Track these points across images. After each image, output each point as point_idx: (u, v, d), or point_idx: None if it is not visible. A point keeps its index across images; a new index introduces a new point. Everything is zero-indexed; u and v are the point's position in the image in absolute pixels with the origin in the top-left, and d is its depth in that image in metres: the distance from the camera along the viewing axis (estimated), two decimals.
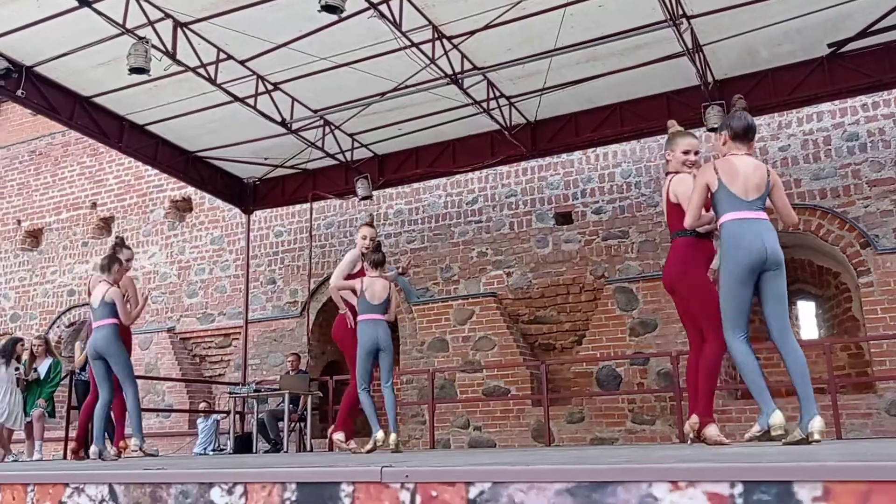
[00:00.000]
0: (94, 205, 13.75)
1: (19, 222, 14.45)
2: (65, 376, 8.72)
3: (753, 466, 1.55)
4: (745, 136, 3.92)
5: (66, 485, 2.36)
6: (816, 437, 3.58)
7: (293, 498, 2.00)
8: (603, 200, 9.98)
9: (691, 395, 4.66)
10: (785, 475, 1.52)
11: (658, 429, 8.70)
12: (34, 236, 14.33)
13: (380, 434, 5.69)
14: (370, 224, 6.34)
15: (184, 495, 2.15)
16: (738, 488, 1.55)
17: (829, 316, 9.76)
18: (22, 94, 8.04)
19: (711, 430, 4.16)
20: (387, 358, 5.78)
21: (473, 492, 1.78)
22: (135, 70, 7.00)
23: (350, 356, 6.05)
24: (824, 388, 8.44)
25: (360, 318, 5.83)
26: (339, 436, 6.24)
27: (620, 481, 1.64)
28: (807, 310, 10.41)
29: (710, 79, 8.16)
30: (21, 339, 8.83)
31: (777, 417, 3.71)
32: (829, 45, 7.85)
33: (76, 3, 6.68)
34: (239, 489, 2.08)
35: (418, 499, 1.84)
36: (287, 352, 10.89)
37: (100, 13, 6.80)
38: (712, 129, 8.28)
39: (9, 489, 2.46)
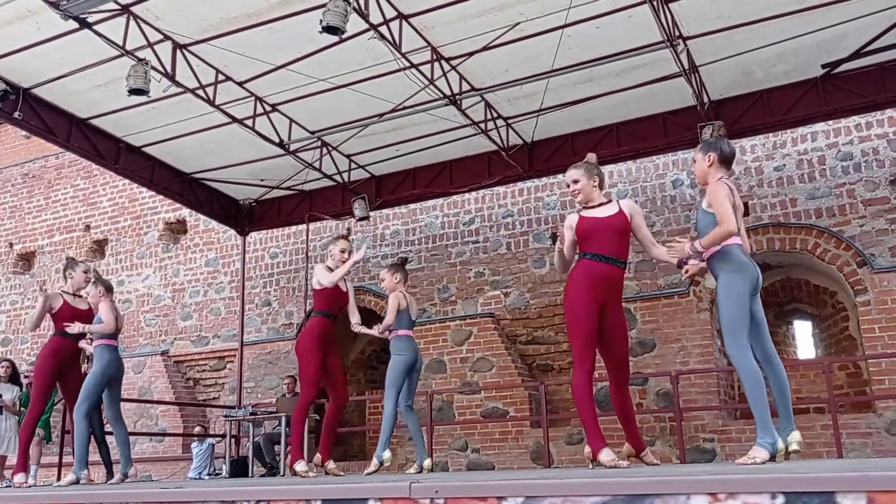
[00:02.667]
0: (87, 227, 13.68)
1: (11, 245, 14.34)
2: (59, 400, 8.62)
3: (795, 477, 1.53)
4: (731, 161, 4.06)
5: None
6: (795, 446, 3.73)
7: None
8: None
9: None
10: (827, 485, 1.50)
11: (658, 449, 8.66)
12: (26, 259, 14.23)
13: (387, 454, 5.63)
14: (346, 237, 6.12)
15: None
16: (780, 499, 1.53)
17: (827, 335, 9.78)
18: (19, 116, 8.01)
19: (604, 456, 4.11)
20: (416, 377, 5.87)
21: None
22: (134, 91, 6.98)
23: (305, 370, 5.81)
24: (824, 407, 8.45)
25: (401, 333, 5.86)
26: (300, 466, 5.56)
27: (658, 494, 1.62)
28: (803, 329, 10.43)
29: (705, 99, 8.23)
30: (5, 360, 8.73)
31: (781, 443, 3.72)
32: (823, 66, 7.93)
33: (76, 25, 6.69)
34: None
35: None
36: (283, 374, 10.81)
37: (100, 35, 6.82)
38: None
39: None
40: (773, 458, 3.67)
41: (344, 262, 5.82)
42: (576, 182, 4.54)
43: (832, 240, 8.71)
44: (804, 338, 10.49)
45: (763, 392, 3.76)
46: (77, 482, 6.00)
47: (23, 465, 6.49)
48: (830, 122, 8.88)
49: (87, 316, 6.47)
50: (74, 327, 6.19)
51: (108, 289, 6.55)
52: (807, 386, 9.21)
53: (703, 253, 3.96)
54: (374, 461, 5.76)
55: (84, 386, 6.18)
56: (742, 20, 7.10)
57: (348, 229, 7.46)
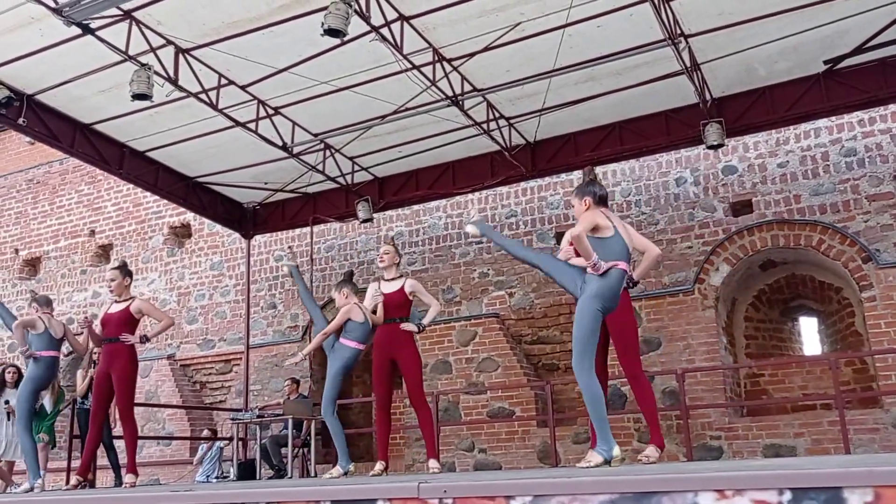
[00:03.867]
0: (92, 232, 13.72)
1: (17, 251, 14.39)
2: (66, 405, 8.66)
3: (801, 473, 1.54)
4: (606, 201, 4.49)
5: None
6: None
7: None
8: None
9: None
10: (834, 481, 1.51)
11: (665, 448, 8.64)
12: (32, 265, 14.27)
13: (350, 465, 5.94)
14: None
15: None
16: (787, 496, 1.53)
17: (833, 331, 9.77)
18: (23, 122, 8.04)
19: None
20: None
21: None
22: (138, 96, 7.01)
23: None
24: (831, 403, 8.45)
25: (346, 342, 6.11)
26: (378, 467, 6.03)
27: (665, 491, 1.62)
28: (809, 326, 10.41)
29: (708, 97, 8.22)
30: (8, 367, 8.78)
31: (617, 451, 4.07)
32: (825, 62, 7.93)
33: (79, 31, 6.71)
34: None
35: None
36: (288, 376, 10.83)
37: (103, 40, 6.84)
38: (711, 147, 8.35)
39: None
40: (608, 463, 3.96)
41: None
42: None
43: (837, 236, 8.69)
44: (810, 334, 10.47)
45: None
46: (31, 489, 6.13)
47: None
48: (833, 118, 8.87)
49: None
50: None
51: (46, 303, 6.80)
52: (813, 382, 9.20)
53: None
54: (338, 469, 5.87)
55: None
56: (743, 17, 7.10)
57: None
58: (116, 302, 6.53)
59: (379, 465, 6.01)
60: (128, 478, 6.36)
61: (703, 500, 1.62)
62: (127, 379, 6.38)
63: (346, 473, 5.84)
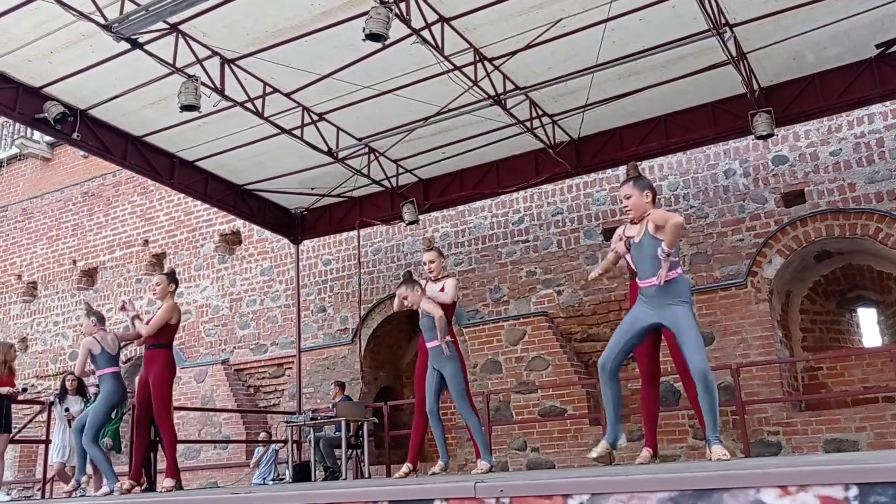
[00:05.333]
0: (145, 242, 14.04)
1: (75, 262, 14.80)
2: (128, 410, 8.86)
3: (868, 468, 1.50)
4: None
5: None
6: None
7: None
8: None
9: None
10: None
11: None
12: (89, 276, 14.66)
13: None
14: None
15: None
16: (853, 491, 1.50)
17: (893, 322, 9.49)
18: (77, 136, 8.27)
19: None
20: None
21: None
22: (186, 107, 7.15)
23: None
24: (893, 396, 8.22)
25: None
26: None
27: (726, 488, 1.60)
28: (868, 317, 10.14)
29: (755, 86, 8.06)
30: (71, 374, 9.03)
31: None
32: (877, 46, 7.70)
33: (128, 46, 6.88)
34: None
35: None
36: (340, 378, 10.96)
37: (151, 54, 7.00)
38: (760, 137, 8.18)
39: None
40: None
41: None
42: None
43: (895, 224, 8.44)
44: (869, 325, 10.19)
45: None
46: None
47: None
48: (888, 103, 8.62)
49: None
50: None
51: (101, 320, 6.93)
52: (874, 375, 8.94)
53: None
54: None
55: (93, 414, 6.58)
56: (790, 4, 6.93)
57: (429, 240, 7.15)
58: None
59: (405, 468, 5.95)
60: (166, 482, 6.51)
61: (765, 497, 1.59)
62: (163, 384, 6.59)
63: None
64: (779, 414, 8.49)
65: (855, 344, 9.99)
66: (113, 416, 8.48)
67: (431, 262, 6.19)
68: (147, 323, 6.63)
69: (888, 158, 8.69)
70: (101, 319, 6.92)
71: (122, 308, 6.85)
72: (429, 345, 5.81)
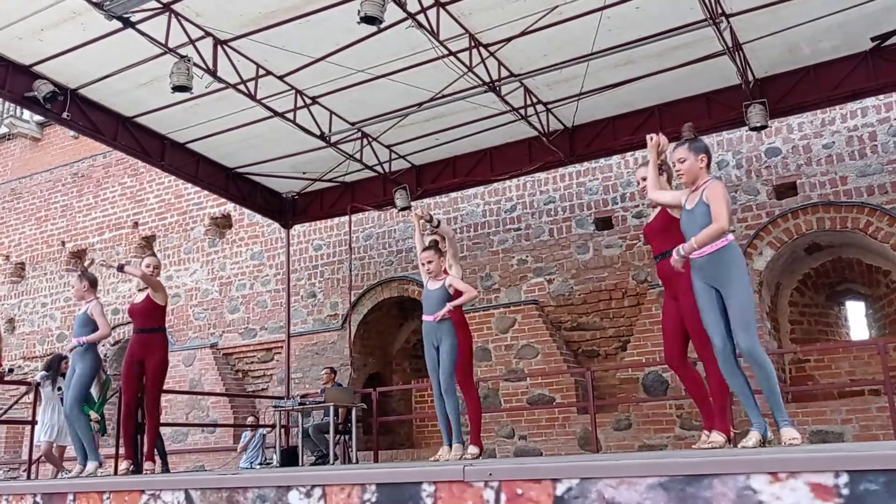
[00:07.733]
0: (135, 224, 13.96)
1: (63, 243, 14.71)
2: (113, 393, 8.84)
3: (858, 455, 1.50)
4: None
5: (142, 492, 2.36)
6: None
7: (373, 499, 1.98)
8: (643, 204, 9.86)
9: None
10: (894, 463, 1.46)
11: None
12: (78, 257, 14.56)
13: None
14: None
15: (261, 499, 2.14)
16: (844, 478, 1.49)
17: (881, 315, 9.54)
18: (67, 116, 8.19)
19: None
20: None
21: (561, 488, 1.74)
22: (178, 88, 7.09)
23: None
24: (879, 389, 8.26)
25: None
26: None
27: (716, 474, 1.59)
28: (856, 310, 10.20)
29: (750, 77, 8.05)
30: (66, 357, 8.97)
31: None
32: (872, 39, 7.70)
33: (120, 25, 6.80)
34: (317, 492, 2.07)
35: (503, 497, 1.80)
36: (329, 364, 10.94)
37: (143, 33, 6.92)
38: (754, 129, 8.18)
39: (84, 497, 2.48)
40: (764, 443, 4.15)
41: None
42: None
43: (885, 217, 8.47)
44: (857, 319, 10.26)
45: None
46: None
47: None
48: (881, 97, 8.64)
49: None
50: None
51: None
52: (861, 368, 9.00)
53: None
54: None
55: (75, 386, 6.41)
56: None
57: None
58: (140, 291, 6.77)
59: (443, 451, 5.75)
60: (147, 465, 6.49)
61: (755, 483, 1.59)
62: (164, 370, 6.60)
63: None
64: (765, 405, 8.51)
65: (843, 337, 10.04)
66: (96, 397, 8.46)
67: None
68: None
69: (880, 152, 8.71)
70: (93, 283, 6.83)
71: (119, 268, 6.77)
72: (426, 317, 5.75)
